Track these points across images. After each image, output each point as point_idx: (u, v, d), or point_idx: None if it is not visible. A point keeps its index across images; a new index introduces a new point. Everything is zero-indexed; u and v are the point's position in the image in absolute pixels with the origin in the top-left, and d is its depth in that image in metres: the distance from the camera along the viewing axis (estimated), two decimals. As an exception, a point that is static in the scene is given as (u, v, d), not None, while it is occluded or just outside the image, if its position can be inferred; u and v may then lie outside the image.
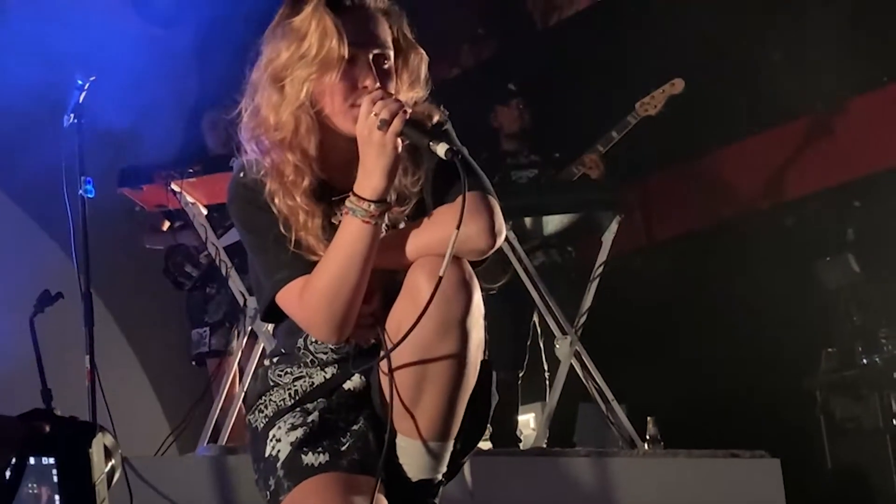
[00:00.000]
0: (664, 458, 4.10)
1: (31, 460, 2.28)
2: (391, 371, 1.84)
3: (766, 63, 5.80)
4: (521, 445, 4.90)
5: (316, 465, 1.86)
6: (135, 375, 6.07)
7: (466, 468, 3.14)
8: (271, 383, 2.00)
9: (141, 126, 4.51)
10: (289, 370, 1.99)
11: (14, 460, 2.26)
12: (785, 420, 5.10)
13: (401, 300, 1.83)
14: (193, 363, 4.82)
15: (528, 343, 5.00)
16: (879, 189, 5.32)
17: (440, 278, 1.74)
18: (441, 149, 1.79)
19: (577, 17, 6.95)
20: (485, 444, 4.32)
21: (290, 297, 1.88)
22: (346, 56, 1.84)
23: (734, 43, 5.78)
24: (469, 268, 1.84)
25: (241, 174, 1.94)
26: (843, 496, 4.77)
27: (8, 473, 2.26)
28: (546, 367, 4.94)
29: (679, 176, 6.32)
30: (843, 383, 4.91)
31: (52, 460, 2.28)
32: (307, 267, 1.87)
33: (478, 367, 1.88)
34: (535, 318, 4.90)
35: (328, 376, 1.97)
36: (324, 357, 1.97)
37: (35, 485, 2.29)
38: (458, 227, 1.74)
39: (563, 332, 4.39)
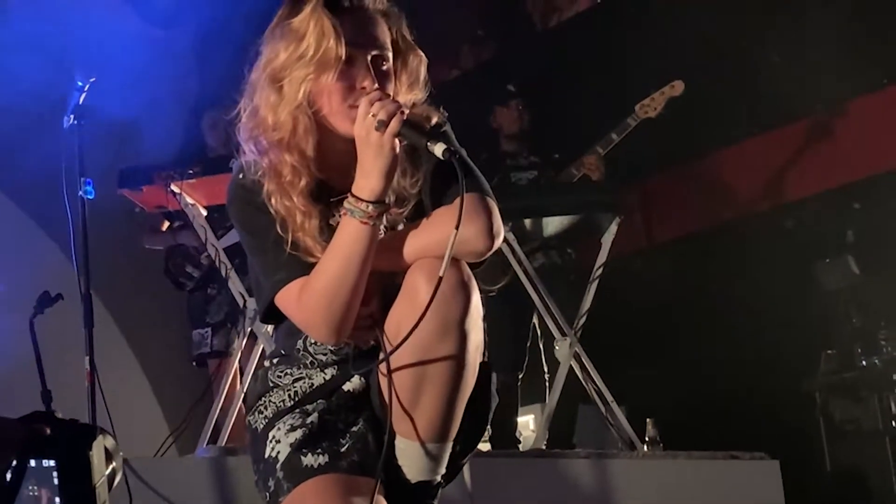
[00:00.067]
0: (664, 459, 4.10)
1: (32, 462, 2.27)
2: (390, 373, 1.84)
3: (766, 65, 5.80)
4: (520, 447, 4.90)
5: (315, 466, 1.86)
6: (134, 376, 6.07)
7: (466, 470, 3.14)
8: (271, 384, 2.00)
9: (141, 126, 4.51)
10: (288, 371, 1.99)
11: (14, 462, 2.25)
12: (784, 422, 5.10)
13: (399, 302, 1.83)
14: (194, 364, 4.82)
15: (528, 345, 5.00)
16: (879, 191, 5.32)
17: (439, 280, 1.74)
18: (439, 149, 1.79)
19: (576, 19, 6.95)
20: (484, 446, 4.31)
21: (289, 299, 1.88)
22: (344, 56, 1.84)
23: (734, 44, 5.78)
24: (468, 269, 1.83)
25: (241, 175, 1.94)
26: (842, 498, 4.76)
27: (8, 476, 2.25)
28: (546, 369, 4.94)
29: (679, 178, 6.31)
30: (842, 385, 4.91)
31: (52, 463, 2.28)
32: (306, 268, 1.86)
33: (477, 369, 1.88)
34: (535, 320, 4.90)
35: (328, 378, 1.97)
36: (323, 358, 1.97)
37: (35, 487, 2.28)
38: (457, 229, 1.74)
39: (563, 334, 4.39)
